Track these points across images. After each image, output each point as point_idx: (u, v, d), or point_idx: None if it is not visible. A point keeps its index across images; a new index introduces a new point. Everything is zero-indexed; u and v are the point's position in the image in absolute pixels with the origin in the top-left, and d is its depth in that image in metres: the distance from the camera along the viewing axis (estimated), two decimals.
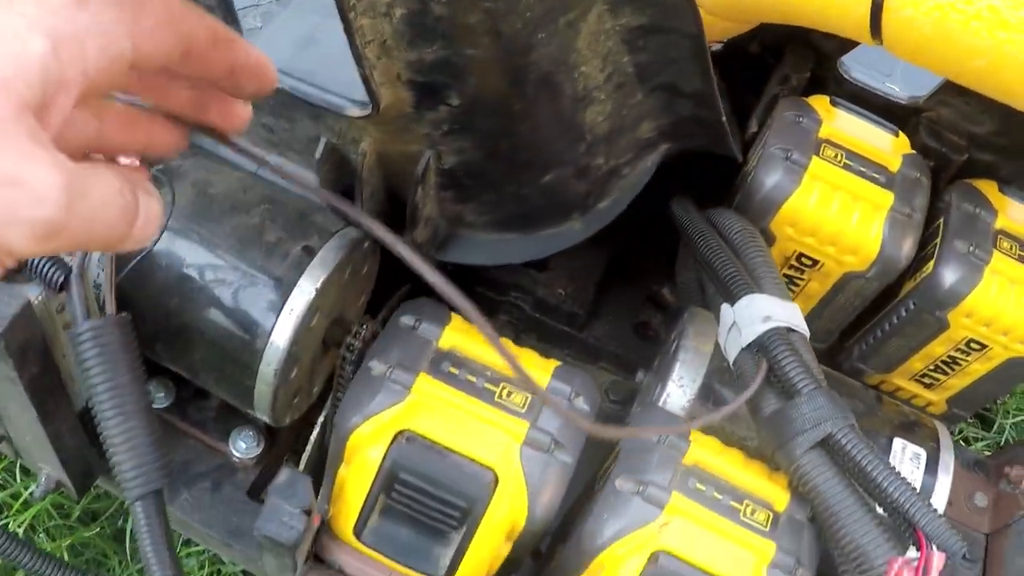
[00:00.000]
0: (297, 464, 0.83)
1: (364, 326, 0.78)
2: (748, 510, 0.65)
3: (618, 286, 0.90)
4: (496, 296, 0.87)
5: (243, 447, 0.81)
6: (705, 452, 0.67)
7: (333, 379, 0.81)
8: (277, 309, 0.72)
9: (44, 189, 0.30)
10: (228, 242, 0.74)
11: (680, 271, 0.82)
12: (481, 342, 0.67)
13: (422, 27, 0.58)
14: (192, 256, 0.74)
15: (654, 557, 0.62)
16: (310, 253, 0.74)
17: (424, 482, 0.62)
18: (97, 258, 0.70)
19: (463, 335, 0.67)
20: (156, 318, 0.75)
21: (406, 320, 0.67)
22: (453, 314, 0.68)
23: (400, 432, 0.62)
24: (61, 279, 0.68)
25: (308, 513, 0.62)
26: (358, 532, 0.64)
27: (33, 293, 0.68)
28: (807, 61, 0.83)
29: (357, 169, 0.69)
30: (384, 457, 0.62)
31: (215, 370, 0.76)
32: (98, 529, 1.03)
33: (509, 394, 0.65)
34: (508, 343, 0.69)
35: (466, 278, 0.88)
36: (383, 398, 0.63)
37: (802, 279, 0.80)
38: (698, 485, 0.65)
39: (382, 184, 0.71)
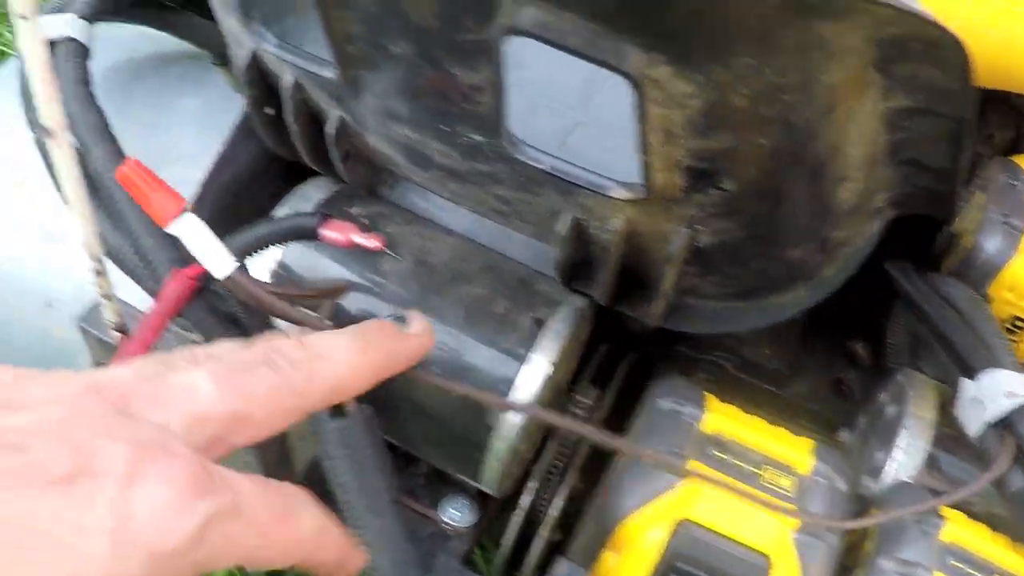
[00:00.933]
0: (504, 527, 0.82)
1: (586, 397, 0.77)
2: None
3: (815, 342, 0.90)
4: (697, 355, 0.87)
5: (457, 515, 0.80)
6: (958, 528, 0.67)
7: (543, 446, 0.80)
8: (510, 385, 0.72)
9: None
10: (455, 314, 0.73)
11: (892, 333, 0.82)
12: (742, 424, 0.67)
13: (716, 118, 0.57)
14: None
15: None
16: (540, 325, 0.73)
17: (702, 570, 0.62)
18: None
19: (724, 417, 0.67)
20: (377, 393, 0.74)
21: (665, 404, 0.67)
22: (707, 394, 0.68)
23: (679, 520, 0.62)
24: None
25: None
26: None
27: None
28: (1010, 120, 0.83)
29: (607, 248, 0.69)
30: (665, 547, 0.62)
31: (438, 445, 0.75)
32: None
33: (775, 477, 0.65)
34: (762, 423, 0.68)
35: (666, 336, 0.88)
36: (657, 484, 0.63)
37: (1014, 340, 0.80)
38: (954, 562, 0.65)
39: (620, 260, 0.71)
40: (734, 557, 0.62)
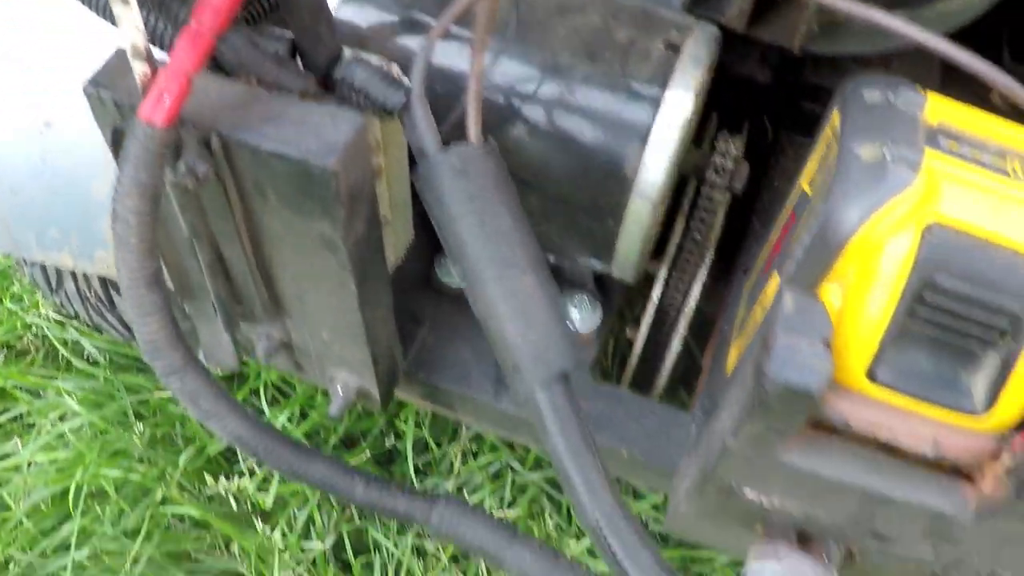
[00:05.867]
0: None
1: (727, 143, 0.63)
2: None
3: None
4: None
5: (579, 316, 0.65)
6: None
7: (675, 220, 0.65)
8: (648, 125, 0.56)
9: None
10: (570, 47, 0.58)
11: None
12: (971, 113, 0.53)
13: None
14: (525, 74, 0.57)
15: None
16: (675, 50, 0.58)
17: (968, 283, 0.47)
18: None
19: (948, 106, 0.52)
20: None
21: (873, 95, 0.52)
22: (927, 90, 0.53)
23: (928, 225, 0.47)
24: (399, 101, 0.50)
25: (829, 345, 0.47)
26: (873, 371, 0.49)
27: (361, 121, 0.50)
28: None
29: None
30: (915, 259, 0.47)
31: (562, 215, 0.60)
32: (362, 455, 0.91)
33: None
34: (991, 114, 0.54)
35: (789, 94, 0.73)
36: (890, 185, 0.48)
37: None
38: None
39: None
40: (1004, 263, 0.47)
